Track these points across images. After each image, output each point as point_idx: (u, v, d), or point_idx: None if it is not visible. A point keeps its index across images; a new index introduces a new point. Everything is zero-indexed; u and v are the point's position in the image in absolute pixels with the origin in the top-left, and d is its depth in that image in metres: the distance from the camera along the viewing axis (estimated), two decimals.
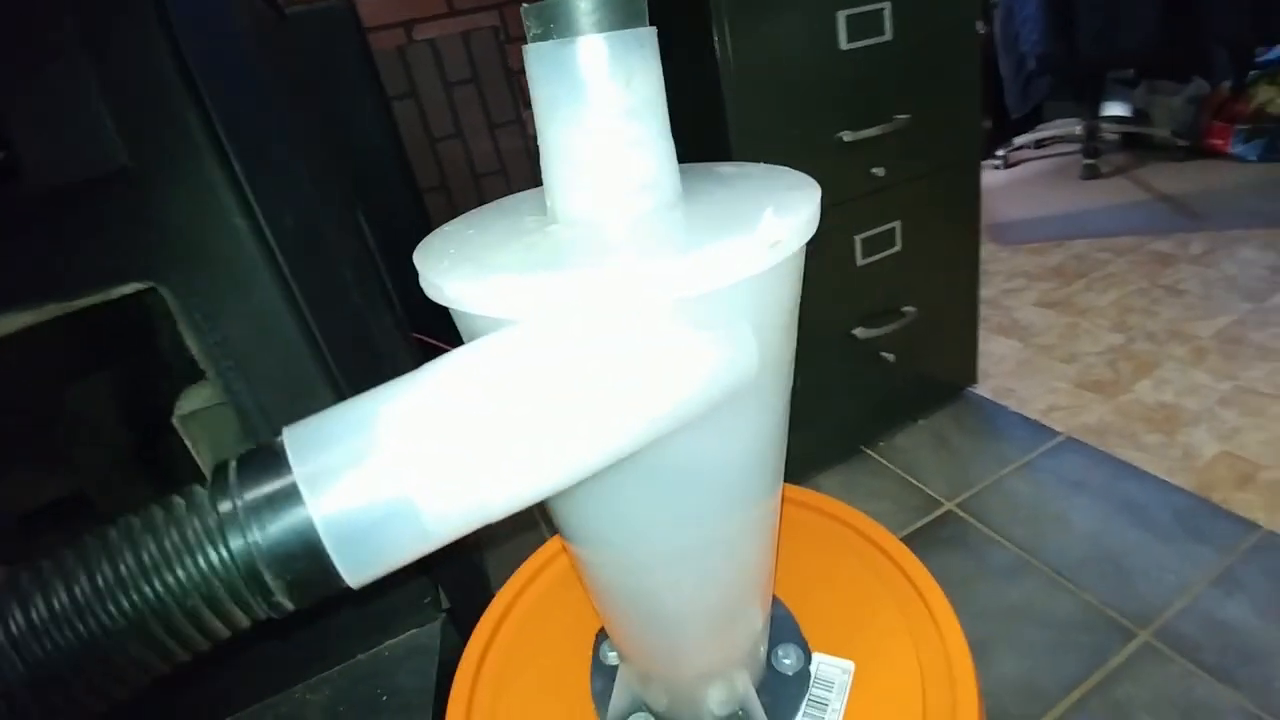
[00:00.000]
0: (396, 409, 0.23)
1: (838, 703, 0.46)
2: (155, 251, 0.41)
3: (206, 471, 0.54)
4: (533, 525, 1.17)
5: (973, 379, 1.36)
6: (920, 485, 1.18)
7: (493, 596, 0.58)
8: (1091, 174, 2.35)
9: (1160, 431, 1.18)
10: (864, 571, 0.55)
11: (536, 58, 0.27)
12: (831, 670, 0.48)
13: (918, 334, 1.20)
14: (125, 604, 0.21)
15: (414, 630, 0.63)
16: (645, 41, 0.27)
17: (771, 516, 0.40)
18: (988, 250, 1.96)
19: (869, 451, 1.29)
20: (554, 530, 0.64)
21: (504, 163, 1.69)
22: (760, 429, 0.32)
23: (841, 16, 0.91)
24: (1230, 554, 0.94)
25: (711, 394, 0.26)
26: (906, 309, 1.18)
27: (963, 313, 1.28)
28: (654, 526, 0.33)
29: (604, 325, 0.24)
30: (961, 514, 1.09)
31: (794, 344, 0.33)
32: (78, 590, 0.21)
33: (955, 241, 1.21)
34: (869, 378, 1.22)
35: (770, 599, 0.49)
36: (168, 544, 0.21)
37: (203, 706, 0.59)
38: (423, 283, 0.28)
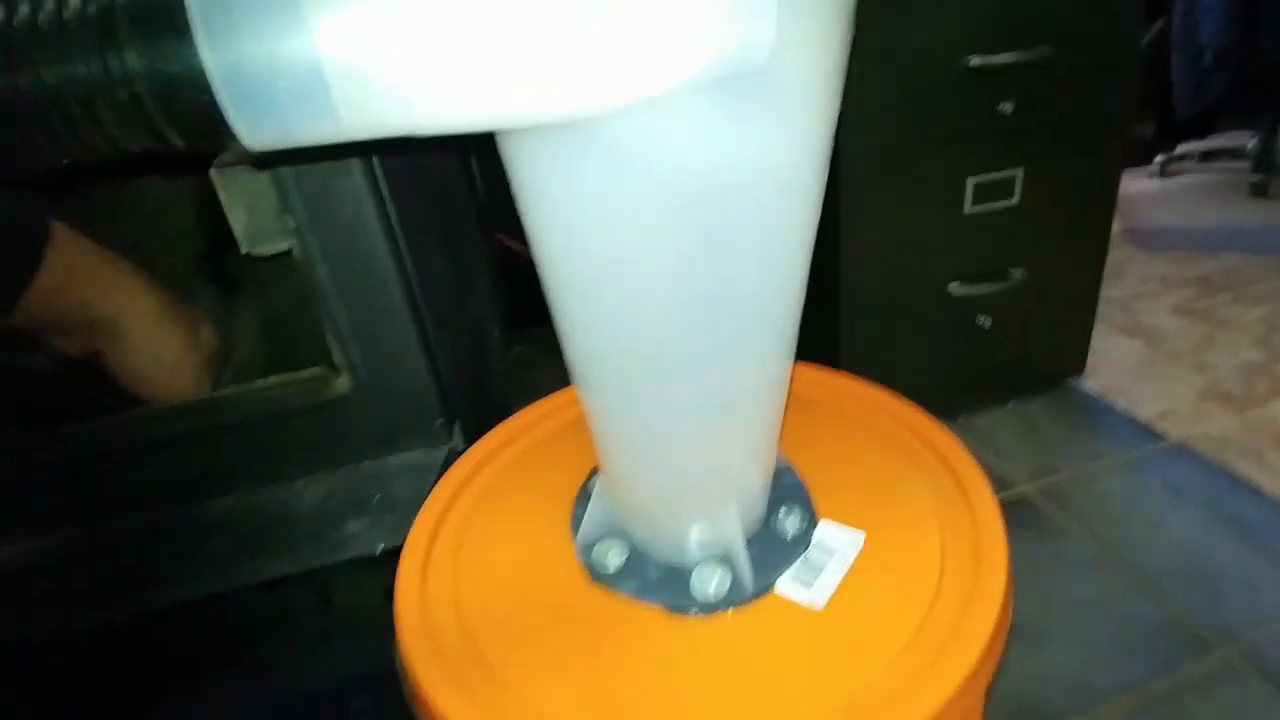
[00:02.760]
0: None
1: (836, 570, 0.40)
2: None
3: (241, 240, 0.54)
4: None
5: (1079, 370, 1.21)
6: (998, 465, 1.06)
7: None
8: (1259, 192, 2.05)
9: None
10: (887, 445, 0.49)
11: None
12: (836, 538, 0.42)
13: (1022, 303, 1.08)
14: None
15: (421, 450, 0.62)
16: None
17: (782, 320, 0.35)
18: (1125, 252, 1.75)
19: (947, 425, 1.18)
20: None
21: None
22: (758, 153, 0.27)
23: None
24: None
25: (703, 48, 0.21)
26: (1014, 272, 1.06)
27: (1080, 292, 1.14)
28: (639, 278, 0.29)
29: None
30: (1040, 499, 0.98)
31: (838, 75, 0.27)
32: None
33: (1083, 207, 1.07)
34: (959, 342, 1.10)
35: (774, 452, 0.44)
36: (36, 16, 0.19)
37: (206, 483, 0.60)
38: None
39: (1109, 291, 1.13)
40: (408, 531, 0.46)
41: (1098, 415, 1.15)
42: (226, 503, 0.59)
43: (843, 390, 0.56)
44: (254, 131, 0.21)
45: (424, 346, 0.60)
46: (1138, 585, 0.82)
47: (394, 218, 0.56)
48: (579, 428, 0.57)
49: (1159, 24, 2.12)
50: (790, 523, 0.43)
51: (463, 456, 0.52)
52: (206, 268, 0.76)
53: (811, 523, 0.44)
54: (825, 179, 0.31)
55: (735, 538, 0.40)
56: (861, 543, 0.42)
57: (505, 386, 1.04)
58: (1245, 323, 1.37)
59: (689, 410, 0.36)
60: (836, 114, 0.29)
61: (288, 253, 0.55)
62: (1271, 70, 1.97)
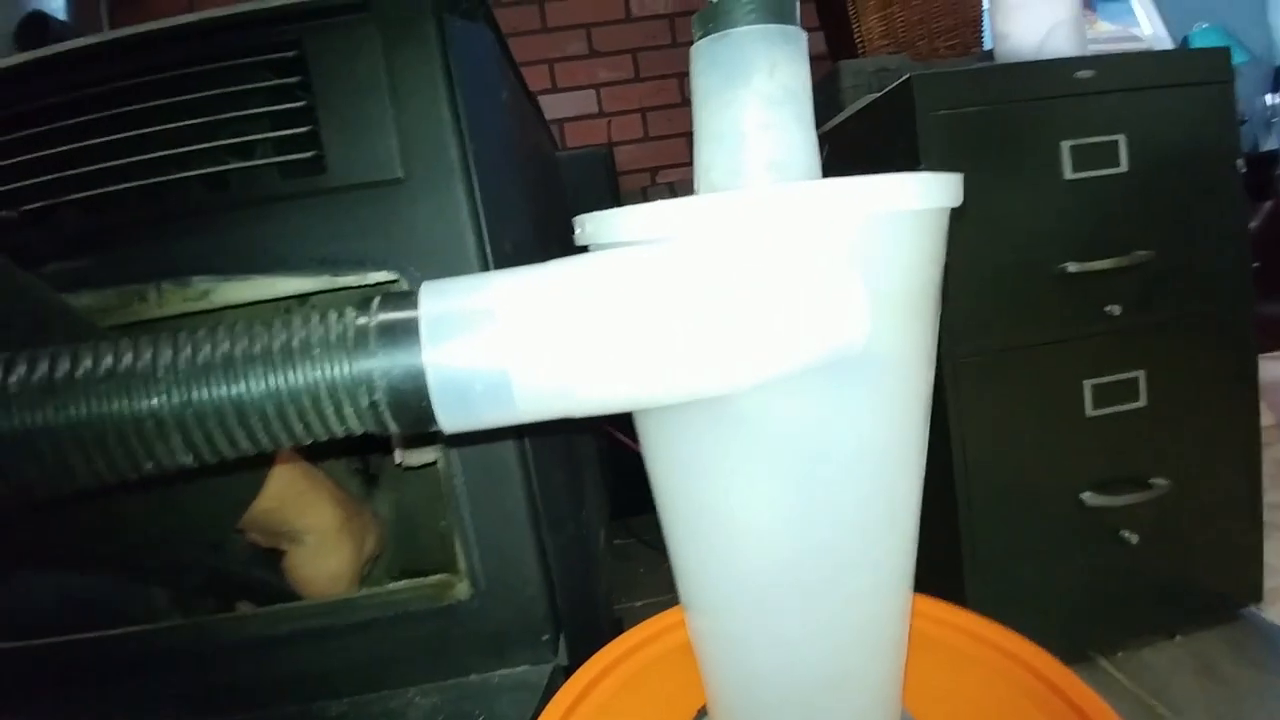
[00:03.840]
0: (509, 287, 0.27)
1: None
2: (406, 249, 0.53)
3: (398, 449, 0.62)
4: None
5: (1256, 596, 1.05)
6: (1172, 717, 0.90)
7: None
8: None
9: None
10: (1021, 703, 0.44)
11: (696, 54, 0.32)
12: None
13: (1172, 515, 0.98)
14: (261, 373, 0.25)
15: (526, 667, 0.62)
16: (791, 38, 0.31)
17: (894, 583, 0.35)
18: (1268, 434, 1.57)
19: (1102, 661, 1.03)
20: None
21: None
22: (869, 427, 0.30)
23: (1066, 147, 0.88)
24: None
25: (806, 345, 0.26)
26: (1156, 481, 0.98)
27: (1238, 501, 1.02)
28: (750, 509, 0.31)
29: (705, 253, 0.26)
30: None
31: (929, 351, 0.31)
32: (218, 349, 0.26)
33: (1221, 403, 1.00)
34: (1103, 560, 1.00)
35: (897, 709, 0.41)
36: (309, 335, 0.26)
37: (320, 686, 0.63)
38: (577, 235, 0.33)
39: (1272, 497, 1.00)
40: None
41: None
42: (339, 707, 0.62)
43: (968, 632, 0.52)
44: (452, 422, 0.27)
45: (540, 556, 0.63)
46: None
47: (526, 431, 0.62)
48: (684, 652, 0.56)
49: (1268, 205, 2.07)
50: None
51: (565, 687, 0.52)
52: (354, 460, 0.86)
53: None
54: (925, 438, 0.33)
55: None
56: None
57: (610, 590, 1.04)
58: None
59: (807, 671, 0.36)
60: (931, 380, 0.32)
61: (433, 463, 0.62)
62: None
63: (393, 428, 0.27)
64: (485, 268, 0.54)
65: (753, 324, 0.26)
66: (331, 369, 0.25)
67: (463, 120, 0.51)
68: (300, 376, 0.25)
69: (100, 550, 0.55)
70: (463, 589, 0.62)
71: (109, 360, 0.25)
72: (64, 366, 0.25)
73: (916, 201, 0.26)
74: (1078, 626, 1.03)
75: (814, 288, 0.26)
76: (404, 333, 0.26)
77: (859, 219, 0.26)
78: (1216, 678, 0.95)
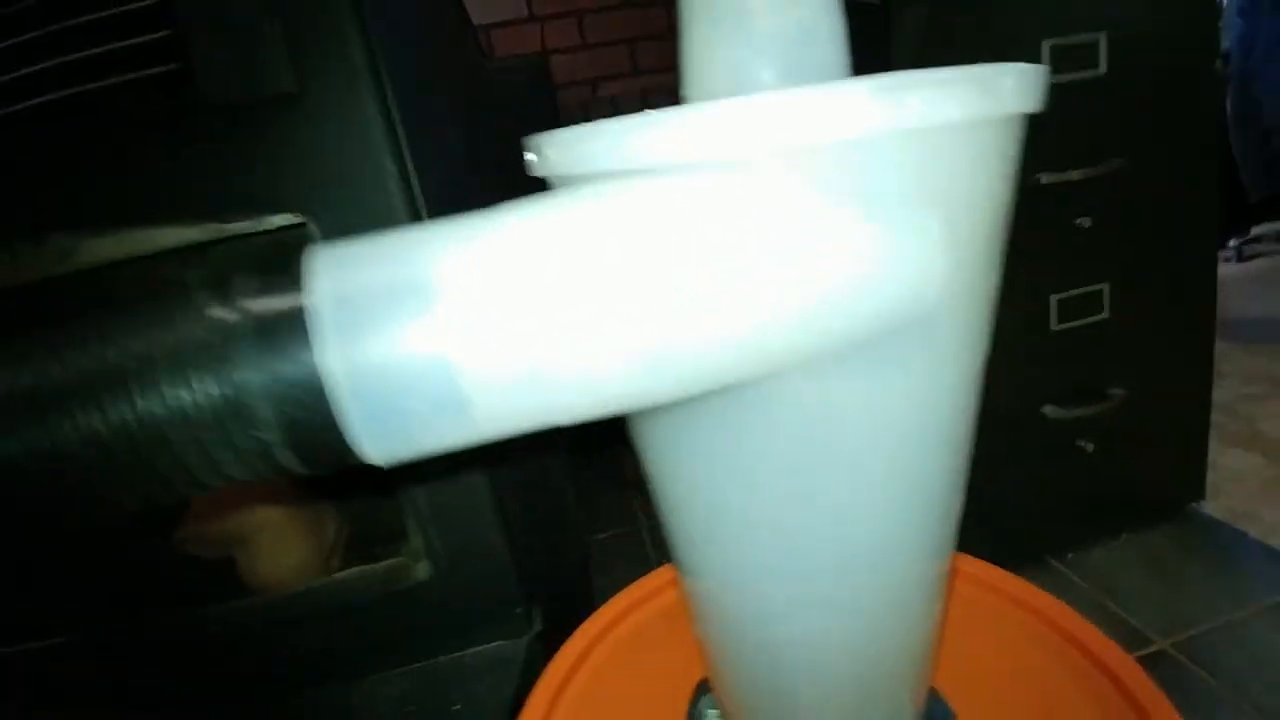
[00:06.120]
0: (452, 246, 0.19)
1: None
2: (311, 186, 0.42)
3: None
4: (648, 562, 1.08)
5: (1200, 494, 1.10)
6: (1123, 614, 0.94)
7: None
8: None
9: None
10: (1058, 673, 0.42)
11: None
12: None
13: (1127, 424, 1.00)
14: (82, 416, 0.17)
15: (500, 642, 0.57)
16: None
17: (934, 558, 0.30)
18: (1217, 348, 1.64)
19: (1055, 563, 1.07)
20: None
21: None
22: (928, 402, 0.24)
23: (1046, 47, 0.81)
24: None
25: (873, 307, 0.19)
26: (1113, 391, 0.98)
27: (1189, 408, 1.05)
28: (777, 515, 0.25)
29: (730, 179, 0.18)
30: (1180, 657, 0.85)
31: (993, 299, 0.25)
32: (25, 383, 0.17)
33: (1180, 317, 1.00)
34: (1060, 470, 1.01)
35: (926, 685, 0.38)
36: (146, 346, 0.17)
37: (277, 679, 0.57)
38: (528, 164, 0.24)
39: (1214, 395, 1.03)
40: None
41: (1230, 547, 1.02)
42: (297, 701, 0.56)
43: (996, 590, 0.49)
44: (380, 450, 0.19)
45: (504, 525, 0.57)
46: None
47: None
48: (669, 621, 0.52)
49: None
50: None
51: (551, 665, 0.47)
52: None
53: None
54: (979, 402, 0.28)
55: None
56: None
57: (579, 534, 1.00)
58: None
59: (827, 653, 0.31)
60: (989, 349, 0.26)
61: None
62: None
63: (295, 469, 0.19)
64: (413, 205, 0.45)
65: (800, 282, 0.19)
66: (185, 396, 0.17)
67: (366, 12, 0.40)
68: (133, 414, 0.17)
69: None
70: (422, 569, 0.56)
71: None
72: None
73: (1010, 104, 0.19)
74: (1031, 531, 1.06)
75: (879, 228, 0.19)
76: (289, 327, 0.18)
77: (937, 131, 0.18)
78: (1162, 573, 0.99)
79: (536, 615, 0.60)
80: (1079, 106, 0.85)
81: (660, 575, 0.55)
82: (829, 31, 0.24)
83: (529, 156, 0.24)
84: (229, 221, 0.42)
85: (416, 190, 0.45)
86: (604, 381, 0.18)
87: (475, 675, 0.54)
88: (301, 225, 0.44)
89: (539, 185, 0.24)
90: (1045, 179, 0.87)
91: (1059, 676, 0.41)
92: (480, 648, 0.57)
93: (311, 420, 0.18)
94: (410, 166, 0.44)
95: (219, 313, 0.18)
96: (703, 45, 0.24)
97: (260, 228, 0.43)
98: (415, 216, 0.45)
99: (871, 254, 0.19)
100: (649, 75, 1.65)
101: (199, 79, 0.38)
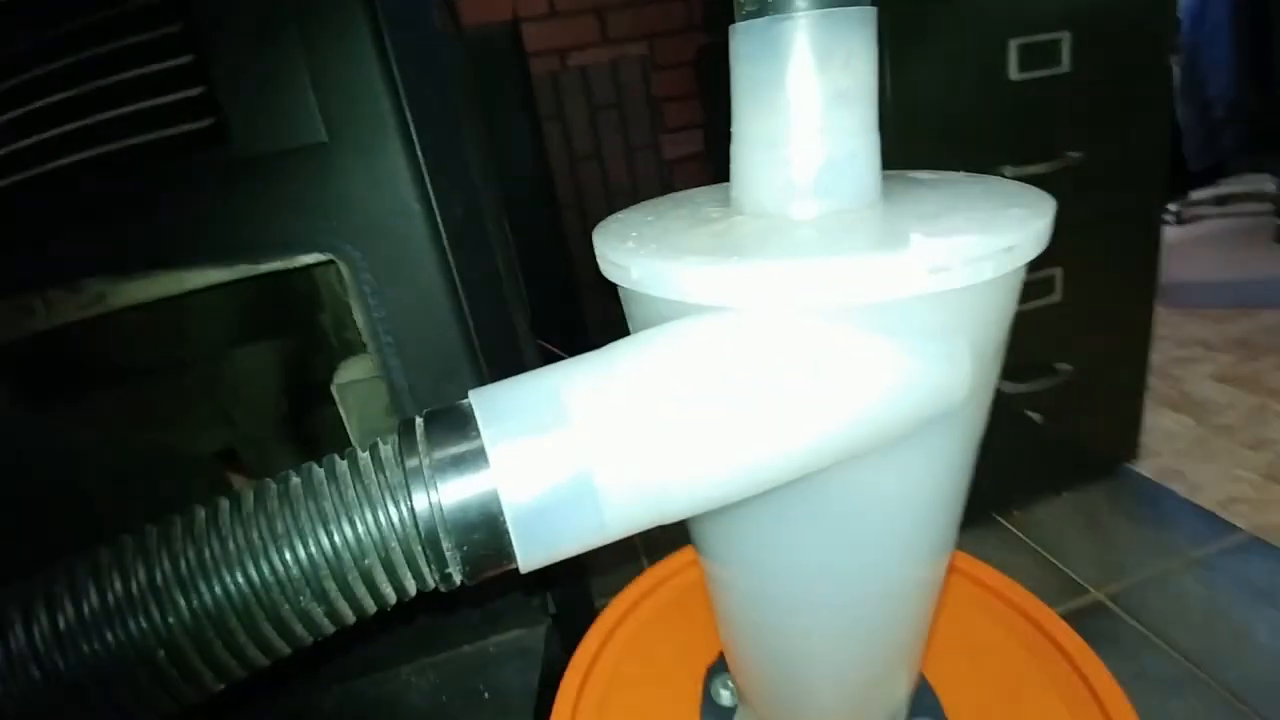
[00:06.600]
0: (582, 386, 0.22)
1: None
2: (339, 226, 0.44)
3: (355, 440, 0.57)
4: (634, 557, 1.14)
5: (1133, 455, 1.21)
6: (1062, 567, 1.05)
7: (598, 612, 0.56)
8: None
9: None
10: (1019, 651, 0.48)
11: (745, 35, 0.25)
12: None
13: (1072, 396, 1.08)
14: (302, 552, 0.20)
15: (520, 631, 0.62)
16: (867, 21, 0.25)
17: (940, 576, 0.36)
18: (1155, 312, 1.76)
19: (1001, 519, 1.17)
20: (654, 563, 0.62)
21: (638, 185, 1.72)
22: (947, 471, 0.29)
23: (1014, 45, 0.85)
24: None
25: (914, 415, 0.23)
26: (1061, 367, 1.07)
27: (1127, 379, 1.15)
28: (810, 567, 0.30)
29: (804, 321, 0.22)
30: (1113, 606, 0.96)
31: (997, 379, 0.29)
32: (255, 533, 0.21)
33: (1125, 298, 1.09)
34: (1010, 436, 1.10)
35: (919, 667, 0.44)
36: (350, 495, 0.21)
37: (309, 674, 0.60)
38: (603, 264, 0.27)
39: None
40: None
41: (1159, 503, 1.14)
42: (331, 699, 0.60)
43: (970, 577, 0.56)
44: (530, 553, 0.23)
45: None
46: (1231, 708, 0.79)
47: None
48: (681, 609, 0.57)
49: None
50: None
51: (571, 664, 0.52)
52: (287, 428, 0.78)
53: None
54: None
55: None
56: None
57: None
58: None
59: (841, 657, 0.36)
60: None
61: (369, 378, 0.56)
62: None
63: (457, 579, 0.23)
64: (437, 241, 0.46)
65: (858, 401, 0.22)
66: (380, 525, 0.20)
67: (393, 61, 0.41)
68: (346, 542, 0.20)
69: None
70: None
71: (111, 585, 0.19)
72: (67, 609, 0.19)
73: (1028, 256, 0.23)
74: (981, 491, 1.15)
75: (920, 357, 0.23)
76: (469, 463, 0.21)
77: (970, 289, 0.22)
78: (1099, 528, 1.10)
79: (550, 601, 0.64)
80: (1043, 102, 0.90)
81: (663, 568, 0.60)
82: (866, 152, 0.27)
83: (607, 265, 0.27)
84: (261, 262, 0.43)
85: (441, 226, 0.47)
86: (708, 490, 0.22)
87: (500, 662, 0.59)
88: (329, 262, 0.45)
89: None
90: (1008, 172, 0.91)
91: (1019, 652, 0.48)
92: (502, 636, 0.61)
93: (487, 546, 0.21)
94: (434, 204, 0.46)
95: (411, 460, 0.21)
96: (747, 159, 0.27)
97: (291, 265, 0.44)
98: (439, 250, 0.47)
99: (915, 377, 0.23)
100: (618, 44, 1.63)
101: (232, 134, 0.39)
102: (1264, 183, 2.22)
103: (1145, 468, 1.21)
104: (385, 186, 0.44)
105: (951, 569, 0.56)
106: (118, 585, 0.20)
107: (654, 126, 1.68)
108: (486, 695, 0.55)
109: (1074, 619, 0.95)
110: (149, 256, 0.41)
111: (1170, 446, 1.25)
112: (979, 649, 0.49)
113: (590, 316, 1.62)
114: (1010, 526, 1.15)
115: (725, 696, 0.48)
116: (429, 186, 0.45)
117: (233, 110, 0.38)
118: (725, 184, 0.30)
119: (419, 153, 0.44)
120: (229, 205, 0.41)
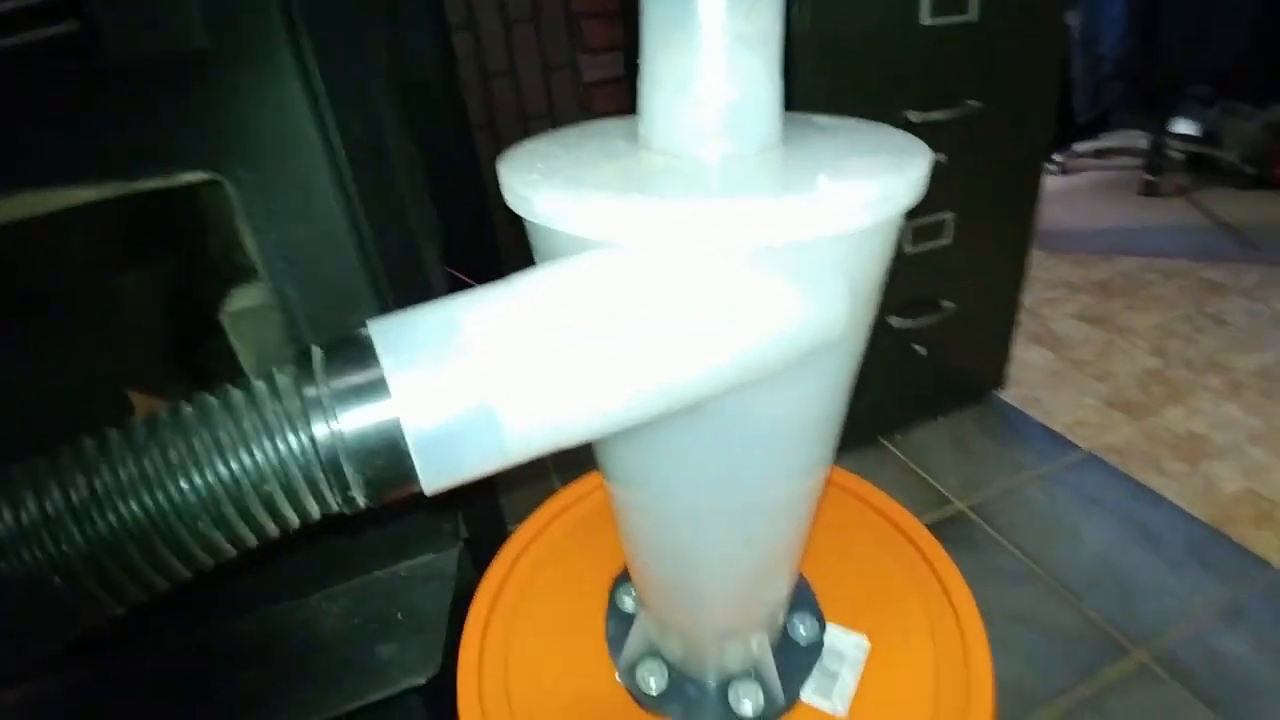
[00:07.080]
0: (484, 317, 0.23)
1: (849, 676, 0.46)
2: (224, 143, 0.41)
3: (249, 370, 0.54)
4: (544, 475, 1.18)
5: (1000, 384, 1.34)
6: (933, 482, 1.17)
7: (509, 535, 0.59)
8: (1151, 191, 2.28)
9: (1184, 460, 1.16)
10: (885, 553, 0.55)
11: None
12: (845, 643, 0.48)
13: (952, 331, 1.18)
14: (198, 480, 0.20)
15: (431, 555, 0.63)
16: None
17: (818, 487, 0.40)
18: (1032, 255, 1.92)
19: (884, 442, 1.28)
20: (565, 482, 0.64)
21: (554, 107, 1.66)
22: (827, 396, 0.32)
23: None
24: (1238, 589, 0.93)
25: (798, 349, 0.26)
26: (945, 304, 1.16)
27: (1001, 316, 1.26)
28: (703, 482, 0.33)
29: (703, 260, 0.24)
30: (972, 515, 1.09)
31: (875, 313, 0.32)
32: (147, 463, 0.21)
33: (1006, 242, 1.18)
34: (896, 368, 1.20)
35: (799, 568, 0.49)
36: (247, 425, 0.21)
37: (220, 603, 0.60)
38: (508, 194, 0.27)
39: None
40: (441, 655, 0.48)
41: (1018, 426, 1.28)
42: (245, 626, 0.60)
43: (848, 490, 0.61)
44: (434, 478, 0.23)
45: None
46: (1060, 595, 0.94)
47: None
48: (589, 528, 0.61)
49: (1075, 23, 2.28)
50: (803, 629, 0.49)
51: (484, 580, 0.54)
52: (177, 359, 0.74)
53: (821, 628, 0.49)
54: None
55: (765, 654, 0.46)
56: (866, 648, 0.48)
57: None
58: (1141, 329, 1.54)
59: (732, 561, 0.40)
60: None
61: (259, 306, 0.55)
62: (1164, 79, 2.18)
63: (360, 502, 0.23)
64: (333, 160, 0.44)
65: (747, 332, 0.24)
66: (279, 454, 0.21)
67: None
68: (245, 470, 0.20)
69: None
70: None
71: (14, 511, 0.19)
72: None
73: (905, 205, 0.25)
74: (869, 417, 1.26)
75: (805, 294, 0.25)
76: (369, 393, 0.21)
77: (852, 234, 0.24)
78: (966, 449, 1.23)
79: (462, 526, 0.66)
80: (950, 50, 0.93)
81: (572, 491, 0.63)
82: (768, 96, 0.28)
83: (512, 196, 0.27)
84: (137, 179, 0.40)
85: (336, 143, 0.44)
86: (604, 417, 0.24)
87: (412, 585, 0.61)
88: (215, 182, 0.42)
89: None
90: (914, 117, 0.95)
91: (884, 553, 0.55)
92: (413, 560, 0.63)
93: (389, 471, 0.22)
94: (330, 118, 0.43)
95: (309, 389, 0.21)
96: (653, 100, 0.28)
97: (170, 184, 0.41)
98: (335, 170, 0.45)
99: (801, 314, 0.25)
100: None
101: (99, 37, 0.34)
102: (1138, 139, 2.42)
103: (1010, 396, 1.35)
104: (274, 99, 0.41)
105: (832, 483, 0.62)
106: (7, 517, 0.19)
107: (573, 45, 1.61)
108: (400, 616, 0.57)
109: (939, 527, 1.08)
110: (8, 174, 0.37)
111: (1031, 377, 1.40)
112: (851, 552, 0.55)
113: (504, 241, 1.59)
114: (892, 448, 1.26)
115: (628, 603, 0.52)
116: (324, 103, 0.42)
117: (100, 10, 0.34)
118: (636, 116, 0.31)
119: (312, 61, 0.41)
120: (97, 117, 0.37)
